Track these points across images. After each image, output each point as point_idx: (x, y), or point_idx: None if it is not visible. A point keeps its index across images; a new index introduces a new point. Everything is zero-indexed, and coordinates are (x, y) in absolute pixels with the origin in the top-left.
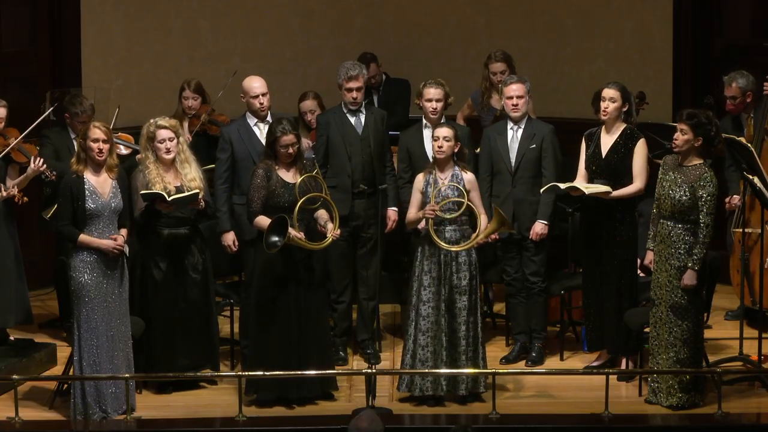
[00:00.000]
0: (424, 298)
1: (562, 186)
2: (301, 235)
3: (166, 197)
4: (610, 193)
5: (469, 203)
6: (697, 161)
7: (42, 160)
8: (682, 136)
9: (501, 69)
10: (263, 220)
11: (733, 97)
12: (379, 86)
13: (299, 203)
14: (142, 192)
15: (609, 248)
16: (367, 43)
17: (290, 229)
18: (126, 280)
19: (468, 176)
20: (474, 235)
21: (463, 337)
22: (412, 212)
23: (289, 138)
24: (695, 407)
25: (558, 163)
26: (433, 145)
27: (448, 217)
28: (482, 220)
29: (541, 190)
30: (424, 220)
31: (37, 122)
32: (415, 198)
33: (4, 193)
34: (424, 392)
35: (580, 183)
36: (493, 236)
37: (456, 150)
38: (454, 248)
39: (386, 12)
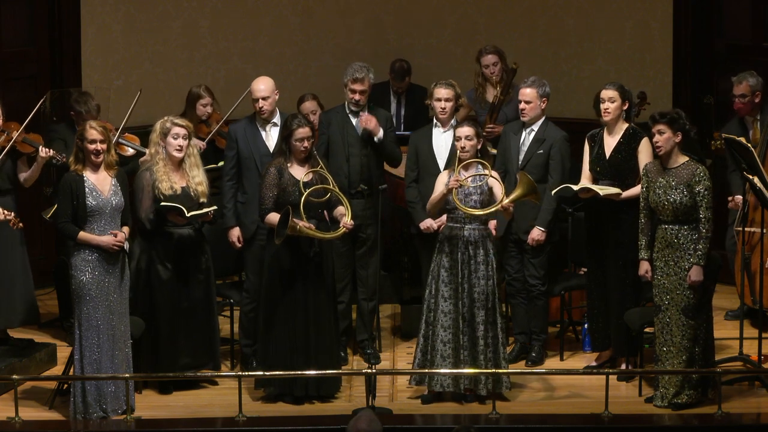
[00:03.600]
0: (446, 294)
1: (575, 187)
2: (309, 225)
3: (185, 212)
4: (621, 194)
5: (493, 176)
6: (683, 159)
7: (48, 149)
8: (661, 137)
9: (493, 61)
10: (274, 217)
11: (742, 95)
12: (403, 93)
13: (304, 195)
14: (162, 204)
15: (612, 249)
16: (367, 43)
17: (296, 220)
18: (127, 278)
19: (492, 172)
20: (500, 199)
21: (482, 338)
22: (436, 198)
23: (303, 131)
24: (704, 403)
25: (565, 171)
26: (456, 146)
27: (473, 188)
28: (498, 189)
29: (553, 192)
30: (443, 217)
31: (33, 113)
32: (438, 191)
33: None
34: (445, 388)
35: (593, 185)
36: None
37: (479, 147)
38: (477, 212)
39: (386, 12)
